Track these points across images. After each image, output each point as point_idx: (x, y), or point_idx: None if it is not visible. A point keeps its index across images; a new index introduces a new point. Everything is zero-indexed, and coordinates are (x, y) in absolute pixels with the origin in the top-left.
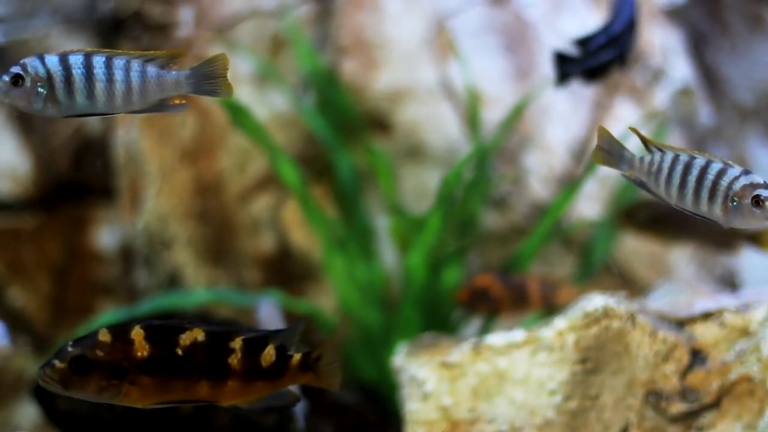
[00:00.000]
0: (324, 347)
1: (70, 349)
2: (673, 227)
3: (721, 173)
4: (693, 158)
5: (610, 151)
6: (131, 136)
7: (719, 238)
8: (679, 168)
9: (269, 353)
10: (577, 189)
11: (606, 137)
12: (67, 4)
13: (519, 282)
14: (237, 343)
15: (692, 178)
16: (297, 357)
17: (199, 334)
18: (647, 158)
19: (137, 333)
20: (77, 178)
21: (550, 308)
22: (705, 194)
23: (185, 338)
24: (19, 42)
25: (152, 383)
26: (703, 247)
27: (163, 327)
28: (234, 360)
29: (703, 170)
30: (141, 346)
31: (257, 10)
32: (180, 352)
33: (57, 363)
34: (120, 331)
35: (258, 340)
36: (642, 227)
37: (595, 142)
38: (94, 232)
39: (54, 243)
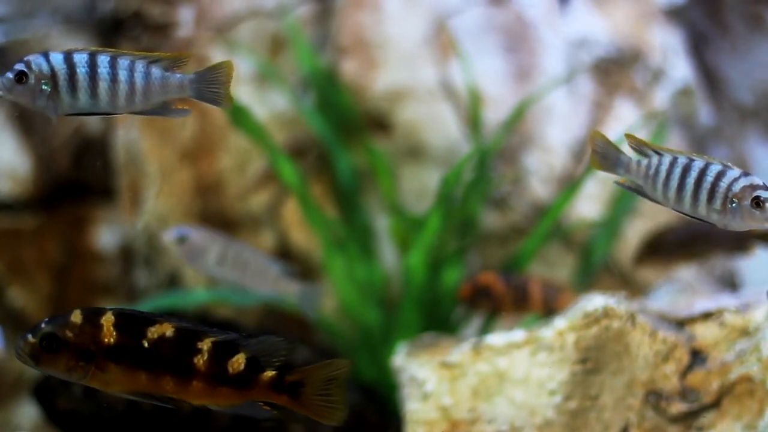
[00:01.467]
0: (309, 373)
1: (43, 325)
2: (698, 246)
3: (720, 175)
4: (691, 160)
5: (605, 155)
6: (131, 136)
7: (733, 242)
8: (678, 170)
9: (238, 361)
10: (577, 189)
11: (601, 141)
12: (67, 4)
13: (521, 283)
14: (206, 344)
15: (691, 181)
16: (269, 373)
17: (168, 329)
18: (644, 161)
19: (107, 319)
20: (77, 178)
21: (551, 312)
22: (704, 196)
23: (153, 331)
24: (19, 42)
25: (117, 370)
26: (723, 255)
27: (134, 317)
28: (200, 360)
29: (702, 172)
30: (108, 332)
31: (257, 10)
32: (146, 343)
33: (30, 338)
34: (92, 314)
35: (229, 345)
36: (668, 256)
37: (590, 146)
38: (94, 232)
39: (54, 243)
